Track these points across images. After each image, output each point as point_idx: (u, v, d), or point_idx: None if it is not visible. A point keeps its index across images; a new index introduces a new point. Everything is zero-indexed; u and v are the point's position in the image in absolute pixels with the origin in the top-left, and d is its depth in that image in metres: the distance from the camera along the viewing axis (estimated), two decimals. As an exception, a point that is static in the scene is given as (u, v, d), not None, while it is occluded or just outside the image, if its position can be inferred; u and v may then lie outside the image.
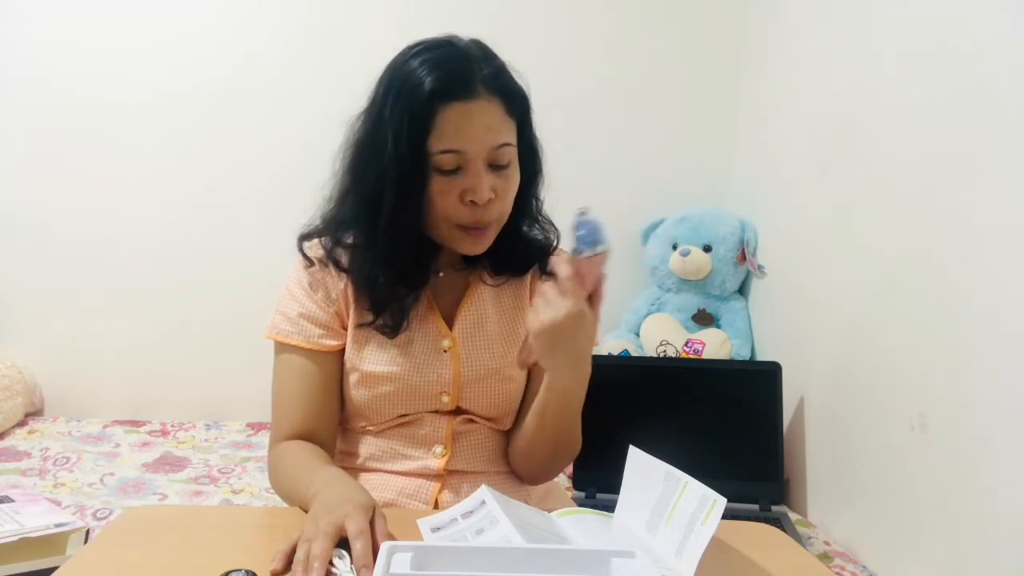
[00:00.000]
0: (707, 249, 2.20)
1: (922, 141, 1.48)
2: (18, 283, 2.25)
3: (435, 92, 0.94)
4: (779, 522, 1.70)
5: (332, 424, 1.08)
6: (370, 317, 1.04)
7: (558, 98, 2.25)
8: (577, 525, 0.92)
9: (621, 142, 2.34)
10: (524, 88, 1.04)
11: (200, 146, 2.24)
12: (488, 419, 1.10)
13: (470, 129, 0.95)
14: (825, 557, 1.59)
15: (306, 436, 1.05)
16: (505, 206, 1.01)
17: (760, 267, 2.15)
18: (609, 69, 2.32)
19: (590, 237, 0.88)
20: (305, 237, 1.09)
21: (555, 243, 1.14)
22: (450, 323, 1.08)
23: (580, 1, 2.30)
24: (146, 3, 2.19)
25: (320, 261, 1.07)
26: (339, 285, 1.06)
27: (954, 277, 1.37)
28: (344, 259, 1.05)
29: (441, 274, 1.10)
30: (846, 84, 1.78)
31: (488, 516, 0.90)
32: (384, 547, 0.72)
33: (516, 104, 1.01)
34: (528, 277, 1.13)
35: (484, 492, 0.95)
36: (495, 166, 0.98)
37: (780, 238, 2.09)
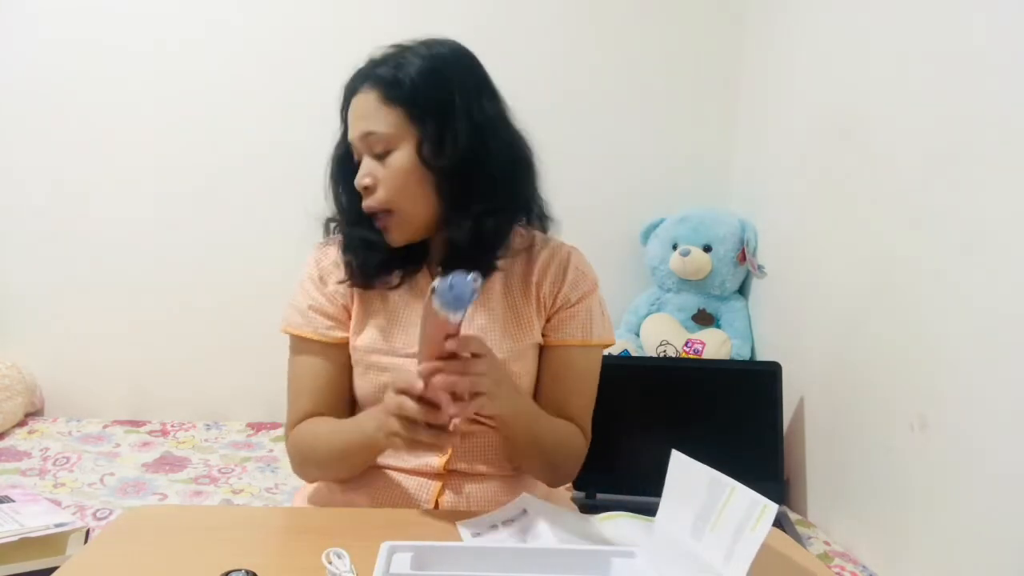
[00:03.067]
0: (707, 249, 2.20)
1: (922, 140, 1.48)
2: (18, 283, 2.25)
3: (344, 89, 1.05)
4: (779, 522, 1.69)
5: (342, 414, 1.10)
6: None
7: (558, 98, 2.25)
8: (619, 530, 0.92)
9: (621, 142, 2.34)
10: (420, 76, 0.99)
11: (200, 146, 2.23)
12: (492, 418, 1.09)
13: (351, 121, 1.03)
14: (825, 557, 1.59)
15: None
16: (389, 195, 1.00)
17: (760, 267, 2.15)
18: (609, 69, 2.31)
19: (455, 300, 0.81)
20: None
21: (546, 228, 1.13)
22: None
23: (580, 1, 2.31)
24: (147, 3, 2.19)
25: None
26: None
27: (954, 276, 1.37)
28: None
29: (439, 268, 1.10)
30: (846, 84, 1.78)
31: (529, 524, 0.90)
32: (384, 547, 0.72)
33: (394, 91, 0.99)
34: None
35: (525, 500, 0.95)
36: (374, 155, 1.02)
37: (780, 238, 2.09)
